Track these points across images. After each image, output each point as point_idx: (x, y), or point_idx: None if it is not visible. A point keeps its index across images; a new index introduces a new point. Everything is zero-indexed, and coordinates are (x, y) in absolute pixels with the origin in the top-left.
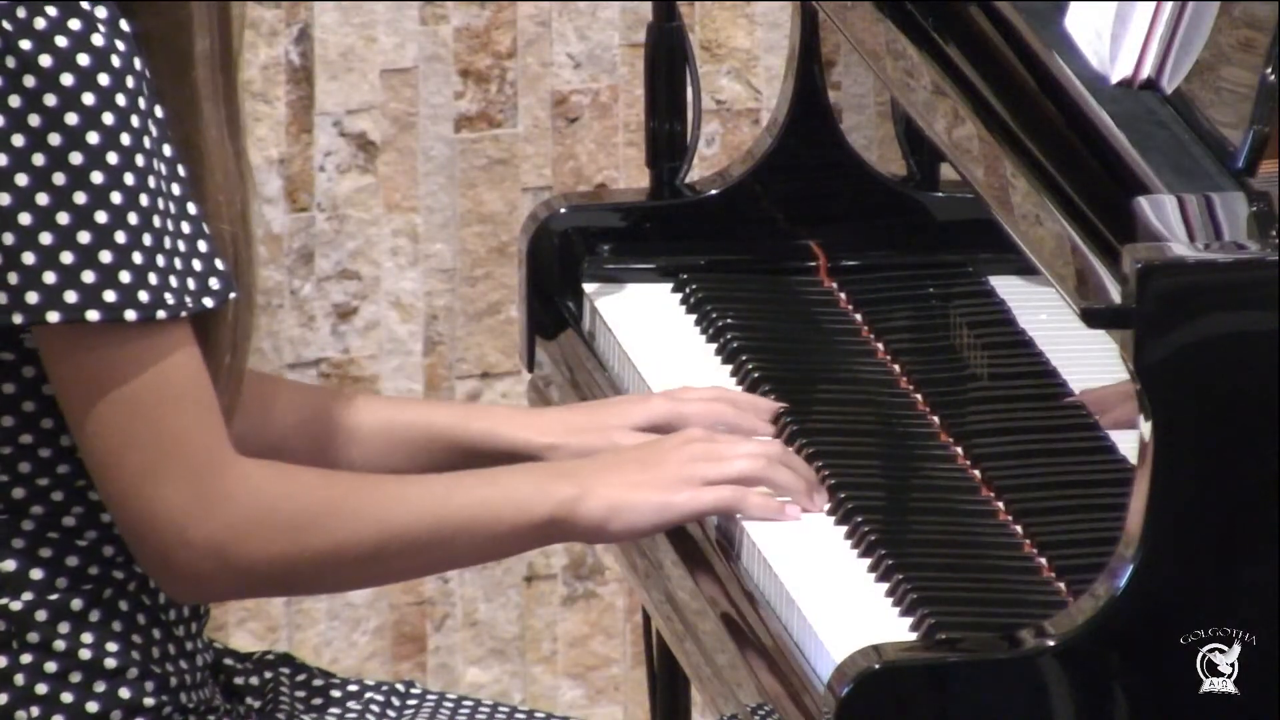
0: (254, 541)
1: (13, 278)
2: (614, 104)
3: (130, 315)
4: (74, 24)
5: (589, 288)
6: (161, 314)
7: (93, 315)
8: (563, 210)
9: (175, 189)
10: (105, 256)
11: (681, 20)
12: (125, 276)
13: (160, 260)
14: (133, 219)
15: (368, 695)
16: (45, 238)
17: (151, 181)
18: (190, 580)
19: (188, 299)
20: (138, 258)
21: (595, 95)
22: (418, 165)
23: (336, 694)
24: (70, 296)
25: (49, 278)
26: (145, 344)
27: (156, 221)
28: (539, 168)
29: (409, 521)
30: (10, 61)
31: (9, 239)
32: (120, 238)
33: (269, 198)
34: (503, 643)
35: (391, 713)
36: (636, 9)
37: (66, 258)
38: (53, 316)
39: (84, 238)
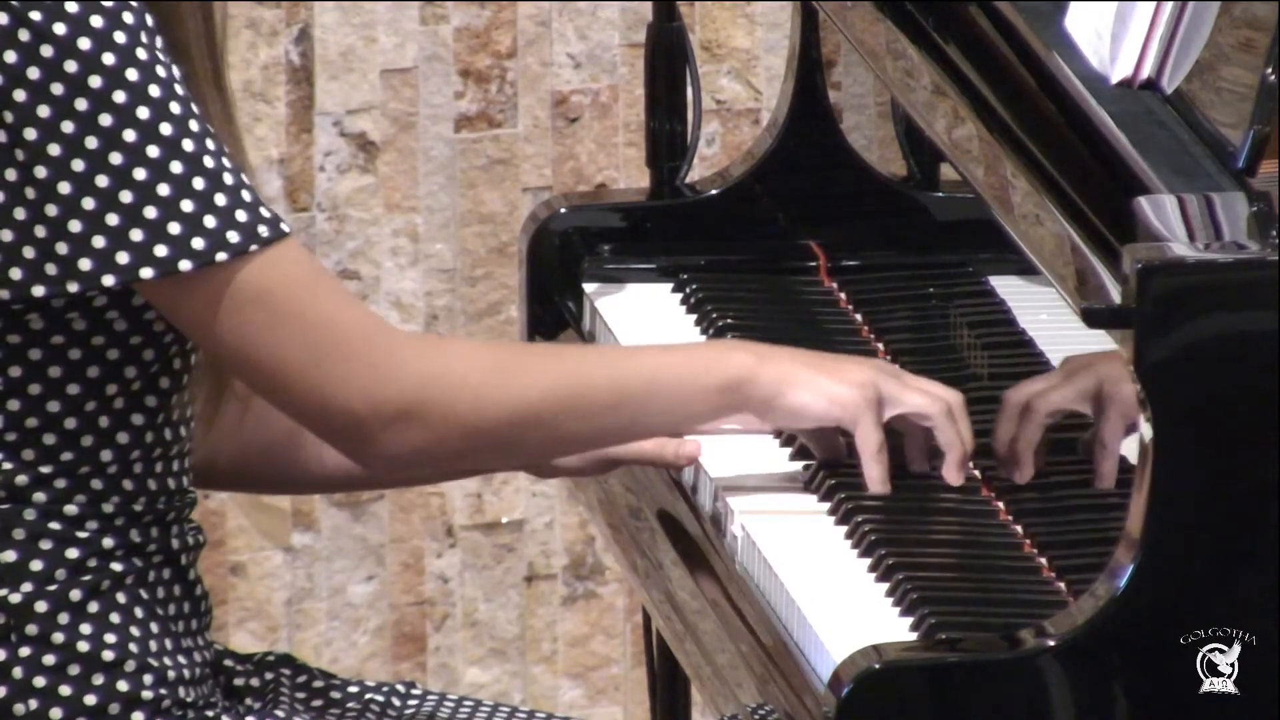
0: (437, 402)
1: (62, 248)
2: (614, 104)
3: (185, 266)
4: None
5: (589, 288)
6: (222, 255)
7: (147, 273)
8: (563, 210)
9: (211, 144)
10: (150, 212)
11: (681, 20)
12: (175, 228)
13: (220, 199)
14: (176, 168)
15: (368, 696)
16: (88, 203)
17: (194, 125)
18: (390, 446)
19: (261, 227)
20: (187, 205)
21: (595, 95)
22: (418, 165)
23: (337, 694)
24: (122, 258)
25: (98, 242)
26: (258, 258)
27: (209, 162)
28: (539, 168)
29: (587, 381)
30: (24, 34)
31: (53, 210)
32: (164, 190)
33: (269, 198)
34: (503, 643)
35: (392, 713)
36: (636, 9)
37: (112, 219)
38: (108, 280)
39: (126, 197)
